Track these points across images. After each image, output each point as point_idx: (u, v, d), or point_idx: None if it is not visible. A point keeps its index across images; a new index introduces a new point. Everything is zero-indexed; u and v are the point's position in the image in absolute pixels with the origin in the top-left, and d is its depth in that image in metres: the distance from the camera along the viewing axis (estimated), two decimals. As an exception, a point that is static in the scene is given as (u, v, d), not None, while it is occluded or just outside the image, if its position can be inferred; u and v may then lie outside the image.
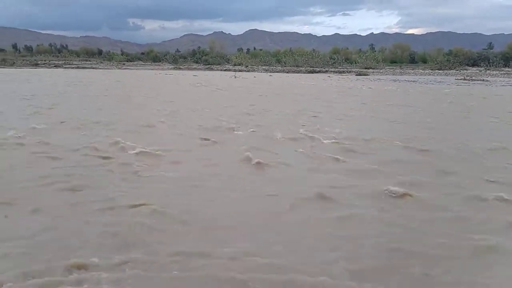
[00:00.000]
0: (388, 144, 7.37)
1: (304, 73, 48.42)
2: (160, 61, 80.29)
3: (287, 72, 50.02)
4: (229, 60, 73.91)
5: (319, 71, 50.67)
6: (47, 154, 6.14)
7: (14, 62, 62.72)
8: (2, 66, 56.63)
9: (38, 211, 3.88)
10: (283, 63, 65.33)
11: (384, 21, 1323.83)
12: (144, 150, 6.40)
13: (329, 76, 40.39)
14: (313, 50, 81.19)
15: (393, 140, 7.59)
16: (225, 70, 53.40)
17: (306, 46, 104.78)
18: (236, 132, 8.34)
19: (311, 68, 54.65)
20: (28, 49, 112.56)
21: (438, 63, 58.43)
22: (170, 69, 57.57)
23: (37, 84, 23.09)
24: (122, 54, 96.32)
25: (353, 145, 7.14)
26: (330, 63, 63.03)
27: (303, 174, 5.42)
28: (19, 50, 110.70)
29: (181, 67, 62.17)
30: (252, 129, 8.62)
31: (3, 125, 8.61)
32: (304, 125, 9.29)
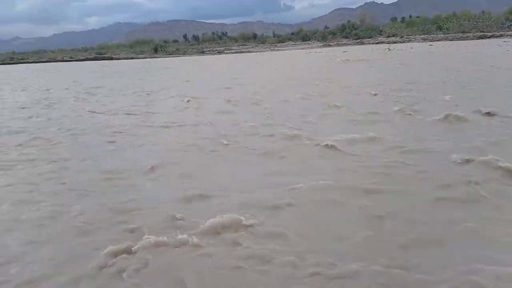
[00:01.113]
0: None
1: (472, 39, 42.36)
2: (309, 40, 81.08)
3: (451, 40, 44.60)
4: (381, 31, 69.65)
5: (491, 36, 43.57)
6: None
7: (185, 51, 72.19)
8: (176, 55, 65.98)
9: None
10: (445, 30, 58.25)
11: None
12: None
13: (505, 41, 34.43)
14: (483, 12, 69.71)
15: None
16: (377, 43, 50.87)
17: (472, 9, 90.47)
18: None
19: (481, 33, 47.34)
20: (196, 38, 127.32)
21: None
22: (320, 46, 57.70)
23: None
24: (273, 36, 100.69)
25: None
26: (506, 26, 53.33)
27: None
28: (189, 40, 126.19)
29: (330, 43, 61.62)
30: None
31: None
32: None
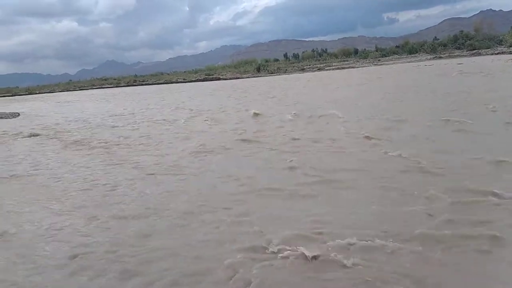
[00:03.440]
0: None
1: None
2: (416, 52, 76.31)
3: None
4: (501, 41, 62.37)
5: None
6: None
7: (286, 69, 73.81)
8: (277, 74, 67.82)
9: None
10: None
11: None
12: None
13: None
14: None
15: None
16: (497, 53, 45.65)
17: None
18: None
19: None
20: (296, 56, 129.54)
21: None
22: (429, 59, 54.00)
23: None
24: (376, 51, 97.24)
25: None
26: None
27: None
28: (289, 58, 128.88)
29: (441, 56, 57.25)
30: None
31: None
32: None
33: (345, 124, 9.98)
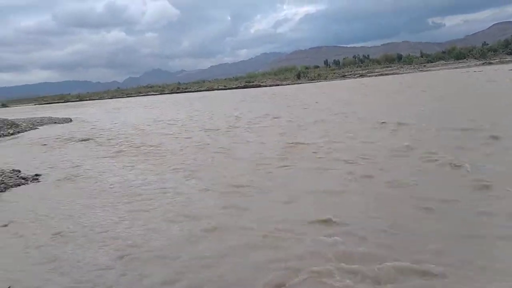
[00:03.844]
0: None
1: None
2: (464, 58, 73.31)
3: None
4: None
5: None
6: None
7: (326, 76, 73.39)
8: (318, 80, 67.57)
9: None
10: None
11: None
12: None
13: None
14: None
15: None
16: (554, 57, 42.96)
17: None
18: None
19: None
20: (336, 63, 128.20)
21: None
22: (477, 65, 51.75)
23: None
24: (421, 56, 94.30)
25: None
26: None
27: None
28: (329, 65, 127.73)
29: (491, 61, 54.66)
30: None
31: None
32: None
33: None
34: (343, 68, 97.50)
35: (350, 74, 70.70)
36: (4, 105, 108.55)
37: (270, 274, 3.47)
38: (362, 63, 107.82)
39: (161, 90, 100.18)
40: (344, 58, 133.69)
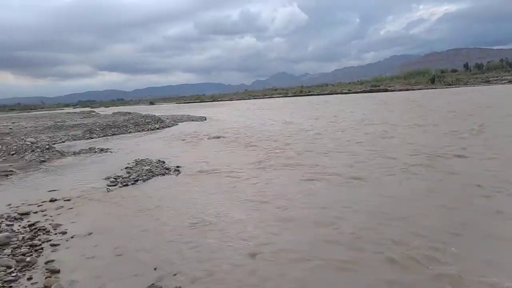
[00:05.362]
0: None
1: None
2: None
3: None
4: None
5: None
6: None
7: (467, 81, 65.85)
8: (456, 85, 61.13)
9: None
10: None
11: None
12: None
13: None
14: None
15: None
16: None
17: None
18: None
19: None
20: (479, 67, 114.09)
21: None
22: None
23: None
24: None
25: None
26: None
27: None
28: (470, 69, 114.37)
29: None
30: None
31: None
32: None
33: None
34: (487, 73, 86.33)
35: (496, 80, 62.10)
36: (151, 103, 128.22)
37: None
38: (511, 67, 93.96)
39: (285, 92, 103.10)
40: (488, 62, 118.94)
